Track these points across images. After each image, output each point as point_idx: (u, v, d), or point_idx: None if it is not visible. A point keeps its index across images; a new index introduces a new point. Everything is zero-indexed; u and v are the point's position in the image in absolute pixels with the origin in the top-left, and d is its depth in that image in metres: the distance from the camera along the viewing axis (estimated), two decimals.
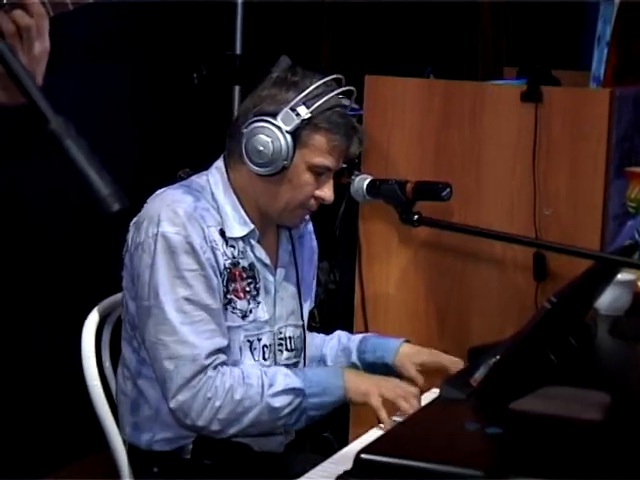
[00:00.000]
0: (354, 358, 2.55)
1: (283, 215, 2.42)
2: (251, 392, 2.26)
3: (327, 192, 2.34)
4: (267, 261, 2.41)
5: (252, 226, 2.39)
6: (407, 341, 2.58)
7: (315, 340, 2.62)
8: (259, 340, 2.41)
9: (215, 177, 2.42)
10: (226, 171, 2.41)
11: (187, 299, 2.28)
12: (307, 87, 2.28)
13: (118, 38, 4.12)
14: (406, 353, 2.51)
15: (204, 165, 2.54)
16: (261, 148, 2.27)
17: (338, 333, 2.67)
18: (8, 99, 1.62)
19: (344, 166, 2.46)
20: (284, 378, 2.30)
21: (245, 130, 2.29)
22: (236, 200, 2.40)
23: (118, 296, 2.56)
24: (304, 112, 2.26)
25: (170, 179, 2.54)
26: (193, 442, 2.36)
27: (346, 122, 2.33)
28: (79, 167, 1.32)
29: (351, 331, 3.05)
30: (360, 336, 2.64)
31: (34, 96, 1.36)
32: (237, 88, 4.03)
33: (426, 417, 2.05)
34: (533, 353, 2.00)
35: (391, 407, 2.25)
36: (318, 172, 2.32)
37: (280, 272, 2.47)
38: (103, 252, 3.49)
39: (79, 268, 3.86)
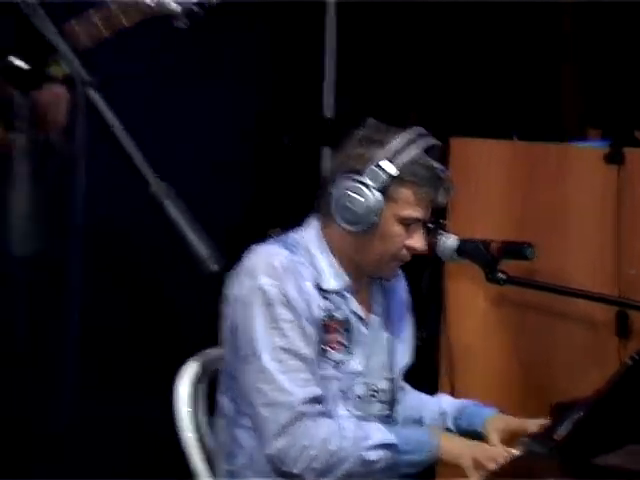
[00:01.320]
0: (449, 423, 2.63)
1: (377, 268, 2.49)
2: (346, 444, 2.32)
3: (418, 241, 2.41)
4: (361, 314, 2.48)
5: (347, 279, 2.46)
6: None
7: (412, 401, 2.70)
8: (352, 391, 2.47)
9: (309, 233, 2.51)
10: (319, 228, 2.50)
11: (283, 348, 2.35)
12: (391, 143, 2.37)
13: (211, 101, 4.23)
14: (493, 420, 2.59)
15: (294, 224, 2.63)
16: (351, 206, 2.35)
17: (440, 397, 2.76)
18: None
19: (431, 226, 2.53)
20: (379, 433, 2.36)
21: (334, 189, 2.39)
22: (330, 254, 2.48)
23: (212, 351, 2.66)
24: (390, 168, 2.34)
25: (261, 238, 2.65)
26: None
27: (432, 174, 2.40)
28: (178, 227, 1.42)
29: (436, 387, 3.09)
30: (459, 402, 2.72)
31: (136, 160, 1.47)
32: (326, 149, 4.17)
33: (510, 472, 2.09)
34: (616, 409, 2.03)
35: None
36: (407, 223, 2.40)
37: (373, 325, 2.53)
38: (199, 306, 3.59)
39: (175, 321, 3.99)
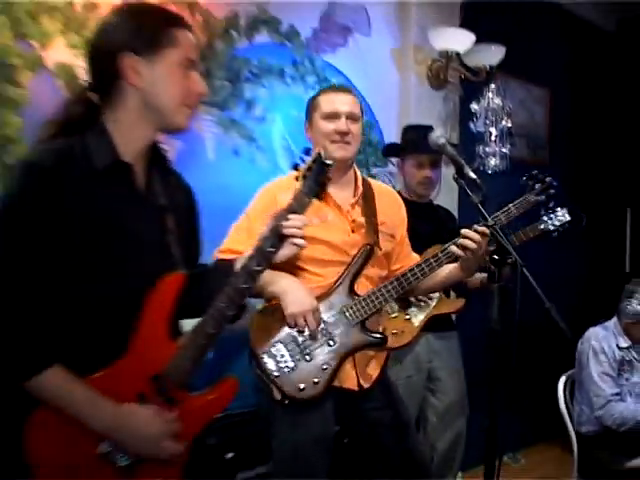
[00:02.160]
0: None
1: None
2: (630, 414, 3.63)
3: None
4: (638, 358, 3.82)
5: (630, 342, 3.77)
6: None
7: None
8: (634, 391, 3.77)
9: (612, 322, 3.85)
10: (616, 322, 3.83)
11: (602, 372, 3.77)
12: None
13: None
14: None
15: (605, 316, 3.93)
16: (628, 313, 3.76)
17: None
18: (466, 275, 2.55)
19: None
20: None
21: (622, 306, 3.83)
22: (623, 332, 3.79)
23: (571, 371, 3.94)
24: None
25: (594, 323, 3.96)
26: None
27: None
28: (556, 320, 1.96)
29: None
30: None
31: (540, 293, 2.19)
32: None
33: None
34: None
35: None
36: None
37: None
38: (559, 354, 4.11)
39: (553, 362, 4.38)
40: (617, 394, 3.74)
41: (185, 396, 1.82)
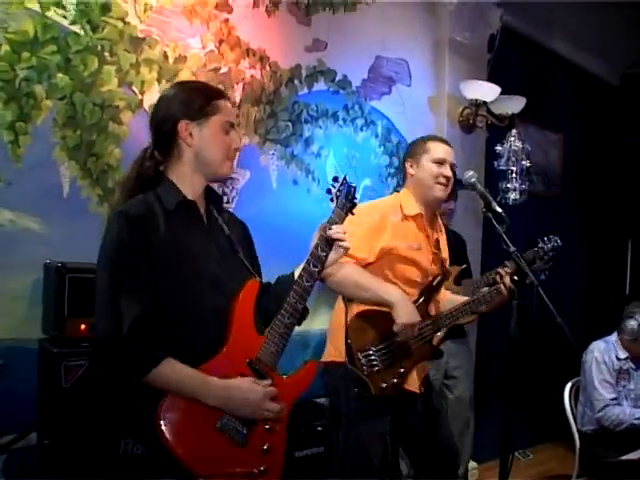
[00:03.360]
0: None
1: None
2: (626, 417, 3.70)
3: None
4: (634, 367, 3.85)
5: (629, 355, 3.82)
6: None
7: None
8: (630, 397, 3.85)
9: (614, 338, 3.91)
10: (617, 337, 3.88)
11: (602, 380, 3.80)
12: None
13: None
14: None
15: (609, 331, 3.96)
16: (627, 332, 3.81)
17: None
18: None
19: None
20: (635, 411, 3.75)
21: (623, 324, 3.89)
22: (622, 347, 3.85)
23: (575, 379, 3.97)
24: None
25: (598, 336, 4.00)
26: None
27: None
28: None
29: None
30: None
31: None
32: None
33: None
34: None
35: None
36: None
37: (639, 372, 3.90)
38: (566, 361, 4.06)
39: (560, 367, 4.30)
40: (615, 399, 3.80)
41: (276, 376, 1.96)
